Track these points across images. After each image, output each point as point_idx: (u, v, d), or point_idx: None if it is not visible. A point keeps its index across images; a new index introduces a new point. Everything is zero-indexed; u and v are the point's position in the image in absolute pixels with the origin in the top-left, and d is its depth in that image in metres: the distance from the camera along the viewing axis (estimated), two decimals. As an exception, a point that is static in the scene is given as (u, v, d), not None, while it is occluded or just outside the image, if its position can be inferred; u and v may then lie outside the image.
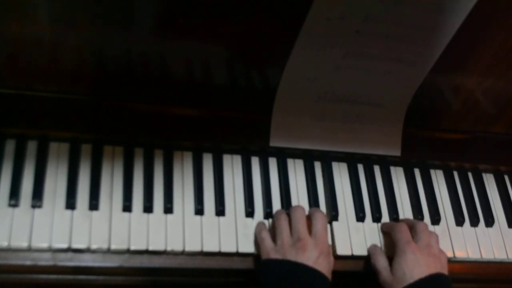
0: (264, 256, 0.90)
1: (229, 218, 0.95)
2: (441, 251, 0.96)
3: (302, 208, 0.94)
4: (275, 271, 0.88)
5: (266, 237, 0.91)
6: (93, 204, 0.89)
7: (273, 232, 0.93)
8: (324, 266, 0.88)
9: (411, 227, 0.97)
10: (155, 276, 0.91)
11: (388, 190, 1.06)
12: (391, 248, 0.97)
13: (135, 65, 0.92)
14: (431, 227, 1.04)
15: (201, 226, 0.93)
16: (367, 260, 0.98)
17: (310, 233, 0.91)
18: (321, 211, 0.95)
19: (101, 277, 0.88)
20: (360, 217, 1.01)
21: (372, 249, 0.98)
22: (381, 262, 0.94)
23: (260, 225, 0.94)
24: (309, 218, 0.94)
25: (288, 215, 0.94)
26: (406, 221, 1.00)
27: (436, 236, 0.97)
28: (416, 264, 0.90)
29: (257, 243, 0.93)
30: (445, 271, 0.94)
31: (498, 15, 0.94)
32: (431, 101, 1.07)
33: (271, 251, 0.89)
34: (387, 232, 1.00)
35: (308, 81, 0.97)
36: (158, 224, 0.91)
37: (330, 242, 0.97)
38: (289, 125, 1.01)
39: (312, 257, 0.88)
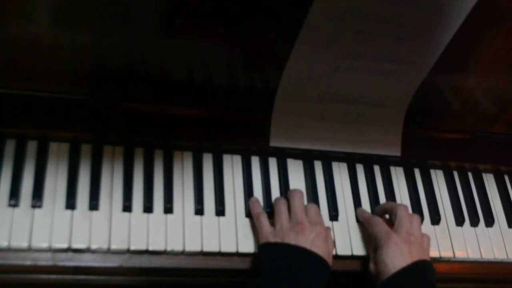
0: (262, 240, 0.91)
1: (229, 218, 0.95)
2: (423, 235, 0.95)
3: (301, 193, 0.95)
4: (274, 255, 0.88)
5: (265, 221, 0.92)
6: (93, 204, 0.89)
7: (272, 216, 0.94)
8: (322, 248, 0.89)
9: (391, 211, 0.97)
10: (155, 276, 0.91)
11: (388, 190, 1.06)
12: None
13: (135, 65, 0.92)
14: (431, 227, 1.04)
15: (201, 226, 0.93)
16: (367, 260, 0.98)
17: None
18: (312, 203, 0.96)
19: (101, 277, 0.88)
20: (360, 217, 1.01)
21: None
22: (370, 255, 0.95)
23: (257, 208, 0.95)
24: None
25: (287, 199, 0.95)
26: (385, 205, 1.01)
27: (418, 219, 0.96)
28: (398, 254, 0.89)
29: (256, 238, 0.93)
30: (427, 256, 0.93)
31: (498, 15, 0.94)
32: (431, 101, 1.07)
33: (270, 235, 0.90)
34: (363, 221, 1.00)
35: (308, 81, 0.97)
36: (158, 224, 0.91)
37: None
38: (289, 125, 1.01)
39: (309, 239, 0.88)
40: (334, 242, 0.97)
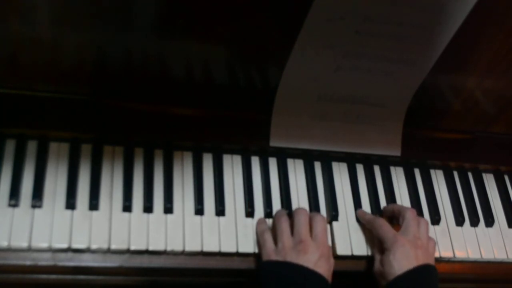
0: (265, 257, 0.90)
1: (229, 218, 0.95)
2: (429, 239, 0.96)
3: (305, 211, 0.94)
4: (275, 273, 0.88)
5: (268, 238, 0.91)
6: (93, 204, 0.89)
7: (274, 233, 0.93)
8: (325, 269, 0.89)
9: (399, 214, 0.97)
10: (155, 276, 0.91)
11: (388, 190, 1.06)
12: None
13: (135, 65, 0.92)
14: (431, 227, 1.04)
15: (201, 226, 0.93)
16: (367, 260, 0.98)
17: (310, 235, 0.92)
18: (320, 215, 0.95)
19: (101, 277, 0.88)
20: (360, 217, 1.01)
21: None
22: (375, 255, 0.95)
23: (262, 225, 0.94)
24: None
25: (289, 215, 0.94)
26: (393, 206, 1.00)
27: (425, 223, 0.97)
28: (405, 256, 0.90)
29: (257, 243, 0.93)
30: (432, 260, 0.94)
31: (498, 15, 0.94)
32: (431, 101, 1.07)
33: (272, 253, 0.89)
34: (366, 223, 0.99)
35: (308, 81, 0.97)
36: (158, 224, 0.91)
37: (330, 242, 0.97)
38: (289, 125, 1.01)
39: (313, 259, 0.88)
40: (334, 242, 0.97)
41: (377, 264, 0.94)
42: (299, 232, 0.90)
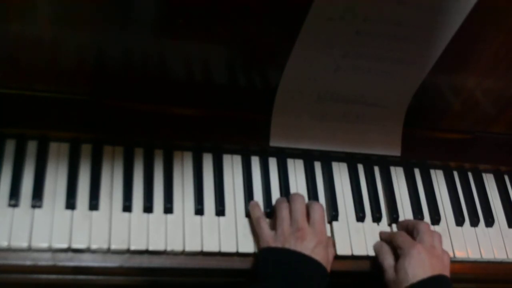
0: (263, 244, 0.91)
1: (229, 218, 0.95)
2: (444, 251, 0.96)
3: (302, 198, 0.95)
4: (274, 259, 0.88)
5: (265, 226, 0.92)
6: (93, 204, 0.89)
7: (273, 219, 0.93)
8: (322, 256, 0.89)
9: (413, 228, 0.97)
10: (155, 276, 0.91)
11: (388, 190, 1.06)
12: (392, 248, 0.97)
13: (135, 65, 0.92)
14: (431, 227, 1.04)
15: (201, 226, 0.93)
16: (367, 260, 0.98)
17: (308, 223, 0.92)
18: (318, 203, 0.96)
19: (101, 277, 0.88)
20: (360, 217, 1.01)
21: (378, 246, 0.98)
22: (388, 261, 0.94)
23: (256, 211, 0.94)
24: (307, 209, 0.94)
25: (289, 203, 0.95)
26: (407, 222, 1.01)
27: (439, 236, 0.97)
28: (420, 264, 0.90)
29: (256, 241, 0.93)
30: (447, 272, 0.94)
31: (498, 15, 0.94)
32: (431, 101, 1.07)
33: (270, 239, 0.90)
34: (385, 240, 0.99)
35: (308, 81, 0.97)
36: (158, 224, 0.91)
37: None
38: (289, 125, 1.01)
39: (310, 246, 0.88)
40: (334, 242, 0.97)
41: (390, 272, 0.93)
42: (297, 219, 0.91)
